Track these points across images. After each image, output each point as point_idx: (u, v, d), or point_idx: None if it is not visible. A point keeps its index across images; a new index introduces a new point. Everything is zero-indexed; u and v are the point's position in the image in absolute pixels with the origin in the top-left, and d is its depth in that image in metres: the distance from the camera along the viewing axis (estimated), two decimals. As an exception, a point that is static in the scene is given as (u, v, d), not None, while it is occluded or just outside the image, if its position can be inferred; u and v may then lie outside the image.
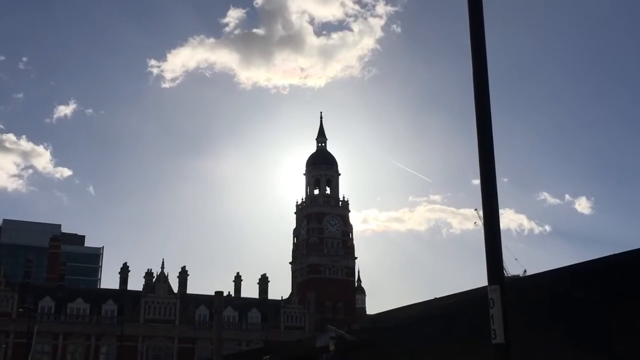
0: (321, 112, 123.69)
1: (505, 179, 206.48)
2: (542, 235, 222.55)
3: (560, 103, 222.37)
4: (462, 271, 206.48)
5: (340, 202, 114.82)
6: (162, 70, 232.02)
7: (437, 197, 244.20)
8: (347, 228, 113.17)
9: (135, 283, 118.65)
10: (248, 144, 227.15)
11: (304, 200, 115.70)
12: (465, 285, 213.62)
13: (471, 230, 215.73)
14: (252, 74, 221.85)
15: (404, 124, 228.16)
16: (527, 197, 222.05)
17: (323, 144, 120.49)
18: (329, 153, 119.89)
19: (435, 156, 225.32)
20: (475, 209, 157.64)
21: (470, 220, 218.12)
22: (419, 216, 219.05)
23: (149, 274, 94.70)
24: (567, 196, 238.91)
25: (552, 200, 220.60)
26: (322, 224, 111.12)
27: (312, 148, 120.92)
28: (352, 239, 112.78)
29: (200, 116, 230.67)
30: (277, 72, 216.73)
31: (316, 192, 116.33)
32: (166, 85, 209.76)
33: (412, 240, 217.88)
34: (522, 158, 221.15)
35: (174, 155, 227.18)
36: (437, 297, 41.32)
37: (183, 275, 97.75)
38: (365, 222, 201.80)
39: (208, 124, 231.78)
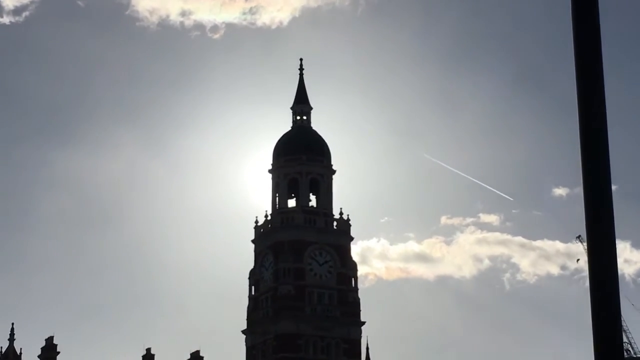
0: (301, 60, 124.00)
1: (614, 187, 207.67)
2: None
3: None
4: (542, 348, 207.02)
5: (334, 222, 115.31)
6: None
7: (492, 218, 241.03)
8: (348, 270, 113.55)
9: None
10: (158, 124, 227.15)
11: (268, 218, 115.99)
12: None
13: (556, 277, 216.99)
14: (158, 3, 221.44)
15: (431, 91, 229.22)
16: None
17: (304, 118, 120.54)
18: (316, 134, 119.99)
19: (486, 147, 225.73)
20: (578, 237, 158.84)
21: (552, 260, 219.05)
22: (462, 251, 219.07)
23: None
24: None
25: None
26: (303, 262, 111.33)
27: (282, 127, 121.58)
28: (356, 289, 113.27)
29: (70, 75, 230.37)
30: (203, 1, 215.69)
31: (291, 203, 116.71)
32: (5, 19, 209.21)
33: (450, 294, 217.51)
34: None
35: (25, 143, 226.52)
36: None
37: (49, 352, 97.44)
38: (363, 261, 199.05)
39: (83, 88, 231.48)
